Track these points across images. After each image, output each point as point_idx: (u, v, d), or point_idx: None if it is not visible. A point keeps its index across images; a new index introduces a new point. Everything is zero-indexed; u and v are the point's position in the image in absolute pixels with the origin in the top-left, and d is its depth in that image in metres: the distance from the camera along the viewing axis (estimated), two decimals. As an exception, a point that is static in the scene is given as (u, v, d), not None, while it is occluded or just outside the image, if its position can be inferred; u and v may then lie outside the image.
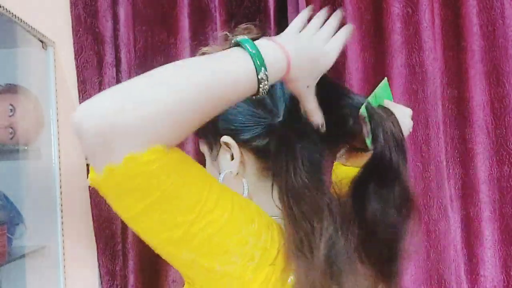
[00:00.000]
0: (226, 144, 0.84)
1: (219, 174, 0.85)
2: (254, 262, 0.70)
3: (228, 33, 0.84)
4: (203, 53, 0.84)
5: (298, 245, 0.73)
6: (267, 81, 0.67)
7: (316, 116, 0.79)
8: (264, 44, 0.69)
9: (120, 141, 0.58)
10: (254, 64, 0.66)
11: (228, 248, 0.68)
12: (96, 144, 0.59)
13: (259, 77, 0.66)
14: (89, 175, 0.64)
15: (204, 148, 0.90)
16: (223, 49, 0.72)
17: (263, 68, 0.66)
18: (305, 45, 0.73)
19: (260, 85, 0.67)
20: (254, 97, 0.69)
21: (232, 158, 0.84)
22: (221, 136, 0.84)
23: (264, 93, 0.68)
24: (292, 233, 0.74)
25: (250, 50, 0.66)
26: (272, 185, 0.82)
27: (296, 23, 0.76)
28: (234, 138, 0.83)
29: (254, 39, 0.71)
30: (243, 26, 0.85)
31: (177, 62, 0.64)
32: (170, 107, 0.59)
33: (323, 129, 0.80)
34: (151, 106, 0.59)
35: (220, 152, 0.86)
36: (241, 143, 0.83)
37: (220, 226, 0.68)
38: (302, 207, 0.75)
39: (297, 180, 0.76)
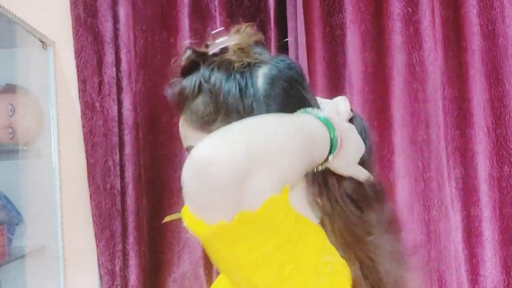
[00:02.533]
0: None
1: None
2: None
3: (221, 31, 0.84)
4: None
5: None
6: (333, 151, 0.72)
7: (361, 176, 0.81)
8: (332, 117, 0.73)
9: (257, 186, 0.58)
10: (330, 134, 0.71)
11: None
12: (229, 193, 0.57)
13: (332, 144, 0.71)
14: (192, 226, 0.60)
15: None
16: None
17: (336, 140, 0.71)
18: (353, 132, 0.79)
19: (330, 155, 0.72)
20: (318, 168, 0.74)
21: None
22: None
23: (327, 163, 0.73)
24: None
25: (328, 125, 0.71)
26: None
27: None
28: None
29: (256, 41, 0.79)
30: (238, 27, 0.83)
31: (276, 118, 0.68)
32: (288, 148, 0.62)
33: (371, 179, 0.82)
34: (274, 146, 0.61)
35: None
36: None
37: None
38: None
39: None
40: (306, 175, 0.78)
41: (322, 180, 0.80)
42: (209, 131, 0.78)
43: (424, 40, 1.83)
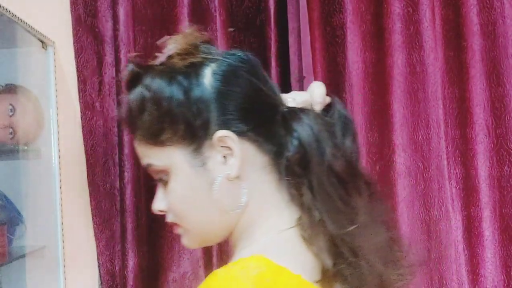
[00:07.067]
0: (221, 140, 0.73)
1: (208, 183, 0.74)
2: None
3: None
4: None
5: None
6: None
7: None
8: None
9: None
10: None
11: None
12: None
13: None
14: None
15: (175, 159, 0.75)
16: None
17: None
18: None
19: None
20: None
21: (224, 159, 0.74)
22: (215, 132, 0.73)
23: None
24: None
25: None
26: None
27: None
28: (231, 130, 0.74)
29: (203, 40, 0.76)
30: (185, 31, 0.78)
31: None
32: None
33: None
34: None
35: (210, 155, 0.75)
36: (242, 134, 0.74)
37: None
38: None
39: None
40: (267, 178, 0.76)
41: (300, 169, 0.74)
42: (161, 143, 0.75)
43: (424, 40, 1.83)
